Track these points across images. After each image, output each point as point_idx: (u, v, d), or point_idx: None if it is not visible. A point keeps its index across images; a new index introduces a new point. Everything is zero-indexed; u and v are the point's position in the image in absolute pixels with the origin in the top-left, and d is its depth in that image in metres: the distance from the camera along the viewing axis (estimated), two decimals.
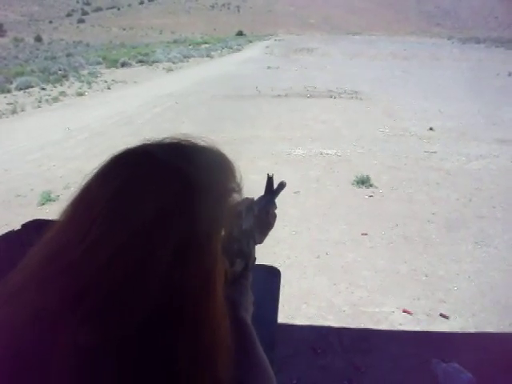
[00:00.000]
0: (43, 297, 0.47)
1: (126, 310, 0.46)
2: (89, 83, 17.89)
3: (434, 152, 7.70)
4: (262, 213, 0.89)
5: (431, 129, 9.34)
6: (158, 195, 0.50)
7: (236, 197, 0.63)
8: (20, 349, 0.45)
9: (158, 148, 0.57)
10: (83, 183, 0.54)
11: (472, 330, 3.12)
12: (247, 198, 0.74)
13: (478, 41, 71.20)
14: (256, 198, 0.88)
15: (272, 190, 1.01)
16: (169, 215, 0.49)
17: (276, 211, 0.97)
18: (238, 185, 0.64)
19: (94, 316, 0.45)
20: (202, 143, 0.61)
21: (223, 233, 0.59)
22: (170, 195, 0.51)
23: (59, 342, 0.44)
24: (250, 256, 0.81)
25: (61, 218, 0.53)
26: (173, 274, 0.48)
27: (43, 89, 16.42)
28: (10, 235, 1.18)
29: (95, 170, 0.55)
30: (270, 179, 1.00)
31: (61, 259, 0.48)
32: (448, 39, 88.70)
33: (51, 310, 0.46)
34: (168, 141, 0.59)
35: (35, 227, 1.17)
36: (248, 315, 0.73)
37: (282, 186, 1.05)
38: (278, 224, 0.95)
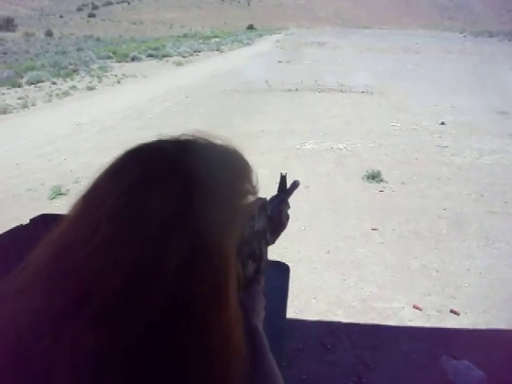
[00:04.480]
0: (48, 297, 0.46)
1: (133, 314, 0.44)
2: (99, 77, 17.95)
3: (446, 147, 7.64)
4: (275, 213, 0.86)
5: (443, 123, 9.25)
6: (166, 196, 0.49)
7: (250, 198, 0.61)
8: (22, 351, 0.44)
9: (171, 146, 0.55)
10: (94, 178, 0.53)
11: (483, 327, 3.09)
12: (260, 198, 0.71)
13: (490, 34, 70.48)
14: (269, 198, 0.85)
15: (285, 189, 0.97)
16: (177, 217, 0.48)
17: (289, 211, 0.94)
18: (254, 187, 0.62)
19: (99, 320, 0.44)
20: (219, 142, 0.60)
21: (237, 234, 0.57)
22: (179, 196, 0.49)
23: (63, 345, 0.43)
24: (261, 258, 0.77)
25: (69, 213, 0.52)
26: (181, 277, 0.46)
27: (54, 83, 16.48)
28: (19, 230, 1.18)
29: (106, 165, 0.53)
30: (283, 178, 0.97)
31: (67, 259, 0.47)
32: (460, 33, 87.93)
33: (55, 312, 0.45)
34: (183, 138, 0.58)
35: (44, 222, 1.17)
36: (259, 322, 0.71)
37: (295, 185, 1.02)
38: None
